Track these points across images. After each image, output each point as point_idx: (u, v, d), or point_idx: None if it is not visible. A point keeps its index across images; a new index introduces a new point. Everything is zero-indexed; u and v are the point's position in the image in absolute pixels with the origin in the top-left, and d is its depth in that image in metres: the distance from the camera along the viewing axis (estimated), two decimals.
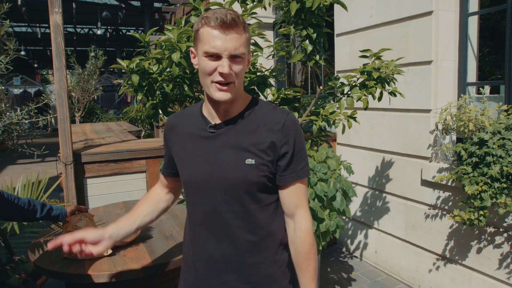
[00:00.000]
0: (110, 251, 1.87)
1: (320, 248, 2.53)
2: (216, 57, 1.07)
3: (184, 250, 1.33)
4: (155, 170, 3.27)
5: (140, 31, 22.65)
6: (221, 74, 1.07)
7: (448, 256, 2.82)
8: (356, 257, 3.75)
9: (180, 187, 1.45)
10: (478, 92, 2.85)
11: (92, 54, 8.23)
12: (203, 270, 1.21)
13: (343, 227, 2.40)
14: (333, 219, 2.38)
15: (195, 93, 2.49)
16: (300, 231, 1.19)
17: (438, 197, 2.84)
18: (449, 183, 2.68)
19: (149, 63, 2.12)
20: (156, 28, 2.22)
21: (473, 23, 2.81)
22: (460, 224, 2.70)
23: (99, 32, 19.42)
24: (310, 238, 1.20)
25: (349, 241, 3.86)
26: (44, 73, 26.30)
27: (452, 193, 2.74)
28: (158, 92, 2.22)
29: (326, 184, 2.38)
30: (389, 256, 3.37)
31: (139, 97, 2.32)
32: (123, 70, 2.23)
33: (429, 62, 2.82)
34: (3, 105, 2.64)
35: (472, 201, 2.39)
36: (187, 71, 2.27)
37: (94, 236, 1.20)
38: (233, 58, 1.07)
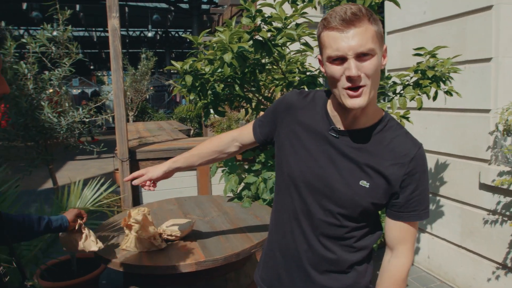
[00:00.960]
0: (165, 244, 1.95)
1: None
2: (341, 60, 0.96)
3: (269, 237, 1.34)
4: (205, 168, 3.36)
5: (188, 33, 23.26)
6: (348, 78, 0.95)
7: (509, 265, 2.66)
8: None
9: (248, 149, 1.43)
10: None
11: (143, 55, 8.56)
12: (282, 260, 1.23)
13: None
14: (384, 221, 2.32)
15: (246, 93, 2.53)
16: (394, 265, 1.12)
17: (499, 202, 2.69)
18: (511, 188, 2.53)
19: (201, 64, 2.18)
20: (208, 29, 2.29)
21: None
22: None
23: (149, 34, 20.16)
24: (402, 275, 1.11)
25: None
26: (100, 74, 27.67)
27: None
28: (209, 92, 2.28)
29: None
30: (443, 262, 3.24)
31: (191, 97, 2.39)
32: (172, 71, 2.31)
33: (488, 60, 2.68)
34: (66, 104, 2.82)
35: None
36: (238, 71, 2.32)
37: (159, 174, 1.48)
38: (361, 57, 0.94)
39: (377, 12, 2.24)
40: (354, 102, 0.97)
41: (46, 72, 2.83)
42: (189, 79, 2.14)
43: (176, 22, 20.08)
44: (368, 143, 1.07)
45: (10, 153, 2.77)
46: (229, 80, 2.40)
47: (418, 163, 1.06)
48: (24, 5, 16.60)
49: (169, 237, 2.02)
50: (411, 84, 2.40)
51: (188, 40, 24.03)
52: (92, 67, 27.46)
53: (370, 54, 0.95)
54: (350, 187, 1.06)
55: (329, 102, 1.14)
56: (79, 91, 19.02)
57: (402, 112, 2.47)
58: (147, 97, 8.43)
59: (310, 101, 1.18)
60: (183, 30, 23.17)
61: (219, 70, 2.27)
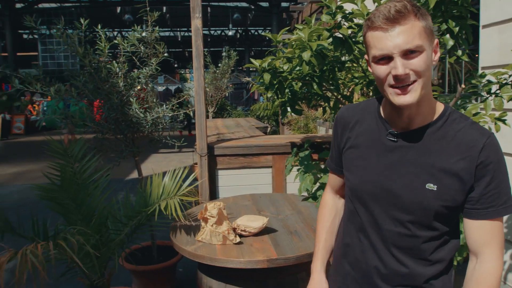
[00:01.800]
0: (238, 239, 1.99)
1: (455, 263, 2.30)
2: (387, 59, 0.95)
3: (335, 246, 1.32)
4: (281, 165, 3.37)
5: (267, 31, 23.54)
6: (395, 77, 0.93)
7: None
8: None
9: None
10: None
11: (224, 54, 8.82)
12: (351, 272, 1.19)
13: None
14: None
15: (324, 91, 2.49)
16: (480, 272, 1.00)
17: None
18: None
19: (280, 62, 2.18)
20: (287, 27, 2.28)
21: None
22: None
23: (230, 33, 20.78)
24: (491, 284, 0.99)
25: None
26: (183, 72, 29.17)
27: None
28: (287, 90, 2.28)
29: None
30: None
31: (269, 94, 2.41)
32: (251, 69, 2.35)
33: None
34: (154, 100, 3.00)
35: None
36: (317, 69, 2.28)
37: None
38: (408, 54, 0.92)
39: (470, 5, 2.06)
40: (403, 100, 0.95)
41: (135, 71, 3.04)
42: (267, 77, 2.16)
43: (256, 21, 20.45)
44: (429, 142, 1.01)
45: (103, 144, 3.02)
46: (307, 78, 2.37)
47: (490, 153, 0.97)
48: (118, 9, 18.08)
49: (243, 233, 2.06)
50: (510, 83, 2.17)
51: (267, 38, 24.33)
52: (176, 65, 29.02)
53: (418, 51, 0.92)
54: (416, 192, 1.00)
55: (381, 107, 1.12)
56: (164, 88, 20.19)
57: (497, 114, 2.25)
58: (227, 94, 8.69)
59: (362, 111, 1.17)
60: (262, 28, 23.53)
61: (298, 68, 2.26)
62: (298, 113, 2.40)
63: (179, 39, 22.77)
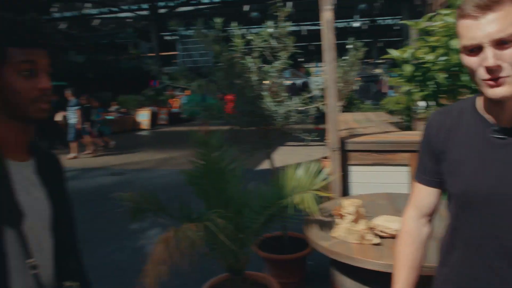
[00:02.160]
0: (378, 240, 1.89)
1: None
2: (477, 49, 0.87)
3: (438, 269, 1.16)
4: None
5: (397, 20, 22.15)
6: (486, 69, 0.86)
7: None
8: None
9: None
10: None
11: (351, 46, 8.54)
12: None
13: None
14: None
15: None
16: None
17: None
18: None
19: (423, 52, 2.00)
20: (433, 13, 2.06)
21: None
22: None
23: (355, 24, 20.12)
24: None
25: None
26: (308, 66, 29.33)
27: None
28: (430, 83, 2.07)
29: None
30: None
31: (406, 87, 2.23)
32: (378, 62, 2.19)
33: None
34: (283, 94, 3.05)
35: None
36: None
37: None
38: (501, 44, 0.84)
39: None
40: (495, 93, 0.87)
41: (267, 66, 3.12)
42: (409, 68, 1.99)
43: (384, 10, 19.40)
44: None
45: (237, 136, 3.18)
46: (455, 69, 2.12)
47: None
48: (245, 8, 19.00)
49: (381, 234, 1.95)
50: None
51: (395, 28, 22.88)
52: (301, 59, 29.28)
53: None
54: None
55: (479, 104, 1.01)
56: (290, 82, 20.57)
57: None
58: (356, 87, 8.43)
59: (456, 112, 1.06)
60: (391, 17, 22.23)
61: (444, 58, 2.04)
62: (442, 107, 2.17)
63: (304, 33, 22.90)
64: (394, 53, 2.14)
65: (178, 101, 19.72)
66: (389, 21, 23.01)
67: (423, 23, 2.11)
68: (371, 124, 4.62)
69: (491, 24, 0.84)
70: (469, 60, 0.90)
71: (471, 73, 0.92)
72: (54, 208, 1.02)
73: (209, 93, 3.20)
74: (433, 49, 2.06)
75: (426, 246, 1.18)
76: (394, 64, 2.34)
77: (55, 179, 1.09)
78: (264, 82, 3.11)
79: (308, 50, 26.70)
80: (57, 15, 23.18)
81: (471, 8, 0.86)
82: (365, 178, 3.19)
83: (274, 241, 3.21)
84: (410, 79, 2.13)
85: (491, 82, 0.87)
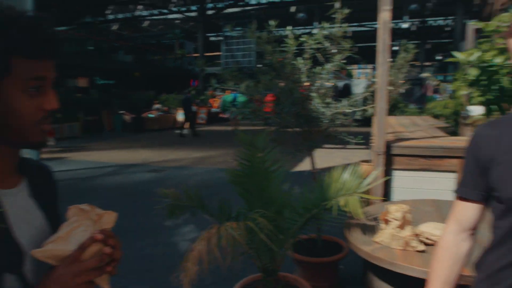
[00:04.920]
0: (423, 247, 1.84)
1: None
2: None
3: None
4: None
5: (449, 21, 21.26)
6: None
7: None
8: None
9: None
10: None
11: (399, 48, 8.32)
12: None
13: None
14: None
15: None
16: None
17: None
18: None
19: (491, 55, 1.91)
20: (505, 12, 1.97)
21: None
22: None
23: (404, 25, 19.50)
24: None
25: None
26: (350, 68, 28.77)
27: None
28: (494, 87, 1.99)
29: None
30: None
31: (464, 91, 2.15)
32: (425, 64, 2.12)
33: None
34: (331, 97, 3.03)
35: None
36: None
37: None
38: None
39: None
40: None
41: (318, 67, 3.10)
42: (475, 72, 1.91)
43: (435, 10, 18.67)
44: None
45: (282, 137, 3.19)
46: None
47: None
48: (292, 9, 18.95)
49: (426, 241, 1.90)
50: None
51: (446, 30, 21.95)
52: (344, 61, 28.78)
53: None
54: None
55: None
56: (332, 84, 20.29)
57: None
58: (403, 90, 8.17)
59: (504, 124, 1.04)
60: (443, 18, 21.37)
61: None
62: (504, 113, 2.07)
63: (349, 35, 22.44)
64: (459, 56, 2.06)
65: (218, 101, 20.02)
66: (440, 21, 22.13)
67: (493, 23, 2.01)
68: (417, 128, 4.48)
69: None
70: None
71: None
72: (52, 231, 0.80)
73: (256, 93, 3.23)
74: (501, 51, 1.96)
75: (464, 262, 1.15)
76: (442, 67, 2.27)
77: (50, 197, 0.92)
78: (313, 83, 3.10)
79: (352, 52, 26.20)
80: (110, 16, 24.29)
81: None
82: (410, 184, 3.11)
83: (308, 244, 3.20)
84: (473, 83, 2.05)
85: None
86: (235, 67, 3.15)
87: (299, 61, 2.91)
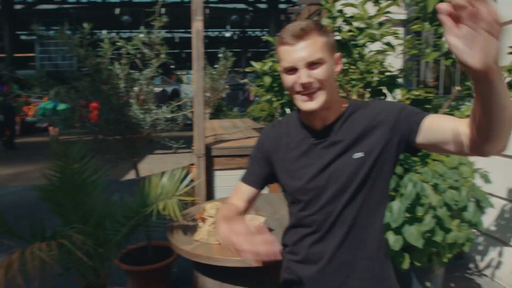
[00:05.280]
0: None
1: (445, 260, 2.34)
2: (294, 70, 1.08)
3: (286, 250, 1.36)
4: None
5: (265, 33, 23.57)
6: (301, 85, 1.07)
7: None
8: (486, 275, 3.35)
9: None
10: None
11: (220, 55, 8.84)
12: None
13: (473, 240, 2.18)
14: (462, 230, 2.17)
15: None
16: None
17: None
18: None
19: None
20: (295, 22, 2.29)
21: None
22: None
23: (227, 34, 20.82)
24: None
25: (479, 257, 3.47)
26: (179, 73, 29.12)
27: None
28: (286, 92, 2.31)
29: (457, 192, 2.19)
30: None
31: (268, 96, 2.44)
32: (247, 70, 2.37)
33: None
34: (151, 103, 3.02)
35: None
36: None
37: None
38: (311, 65, 1.06)
39: None
40: (309, 105, 1.08)
41: (136, 72, 3.06)
42: (267, 80, 2.19)
43: (254, 22, 20.49)
44: (345, 126, 1.15)
45: (102, 146, 3.03)
46: None
47: (377, 104, 1.16)
48: (117, 11, 18.09)
49: None
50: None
51: (264, 40, 24.37)
52: (173, 66, 28.97)
53: (319, 63, 1.06)
54: (349, 165, 1.12)
55: (301, 114, 1.22)
56: (160, 89, 20.19)
57: None
58: (224, 95, 8.69)
59: (286, 125, 1.26)
60: (260, 29, 23.56)
61: None
62: None
63: (177, 40, 22.80)
64: (255, 65, 2.32)
65: (34, 109, 17.55)
66: (258, 32, 24.37)
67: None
68: (236, 130, 4.85)
69: (304, 49, 1.05)
70: (288, 79, 1.10)
71: (289, 89, 1.12)
72: None
73: (69, 101, 2.98)
74: None
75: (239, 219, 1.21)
76: (258, 75, 2.55)
77: None
78: (132, 89, 3.04)
79: (180, 57, 26.60)
80: None
81: (289, 37, 1.06)
82: (230, 182, 3.35)
83: (139, 252, 3.15)
84: (268, 89, 2.32)
85: (304, 97, 1.08)
86: (43, 71, 2.84)
87: (116, 67, 2.82)
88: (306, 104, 1.09)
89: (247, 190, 1.30)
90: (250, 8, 18.07)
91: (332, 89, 1.11)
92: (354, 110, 1.17)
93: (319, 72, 1.06)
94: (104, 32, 2.85)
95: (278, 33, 1.13)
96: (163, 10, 3.10)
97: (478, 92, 0.79)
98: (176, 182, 2.24)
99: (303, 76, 1.06)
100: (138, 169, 3.16)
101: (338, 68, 1.14)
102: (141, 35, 2.89)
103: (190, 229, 2.19)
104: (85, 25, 2.77)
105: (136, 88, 3.08)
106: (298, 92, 1.09)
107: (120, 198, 2.52)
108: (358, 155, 1.11)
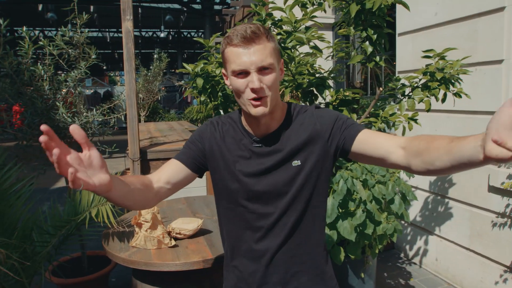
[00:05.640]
0: (173, 242, 1.99)
1: (377, 251, 2.50)
2: (244, 73, 1.06)
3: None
4: None
5: (200, 33, 23.39)
6: (252, 90, 1.05)
7: None
8: (415, 263, 3.63)
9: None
10: None
11: (156, 56, 8.65)
12: None
13: (401, 231, 2.36)
14: (391, 222, 2.34)
15: None
16: (425, 135, 1.01)
17: (508, 205, 2.68)
18: None
19: (212, 67, 2.22)
20: (218, 33, 2.32)
21: None
22: None
23: (162, 35, 20.34)
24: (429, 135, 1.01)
25: (407, 247, 3.75)
26: (112, 74, 27.96)
27: None
28: (220, 94, 2.32)
29: (384, 186, 2.34)
30: (451, 265, 3.23)
31: (202, 98, 2.43)
32: (184, 72, 2.36)
33: (499, 62, 2.66)
34: (81, 106, 2.89)
35: None
36: None
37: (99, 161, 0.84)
38: (262, 70, 1.05)
39: (386, 15, 2.26)
40: (258, 110, 1.07)
41: (62, 74, 2.90)
42: (200, 81, 2.18)
43: (189, 23, 20.22)
44: (285, 137, 1.17)
45: (26, 152, 2.84)
46: None
47: (314, 114, 1.18)
48: (40, 7, 16.90)
49: (178, 236, 2.06)
50: (420, 86, 2.41)
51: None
52: (105, 67, 27.77)
53: (270, 68, 1.06)
54: (288, 172, 1.15)
55: (242, 118, 1.21)
56: (92, 91, 19.27)
57: (410, 114, 2.48)
58: (159, 98, 8.49)
59: (226, 124, 1.25)
60: (195, 30, 23.33)
61: None
62: None
63: (108, 40, 21.89)
64: (187, 67, 2.30)
65: None
66: (193, 33, 24.11)
67: (212, 41, 2.33)
68: (173, 133, 4.78)
69: (255, 53, 1.03)
70: (238, 82, 1.07)
71: (238, 93, 1.09)
72: None
73: None
74: (220, 64, 2.30)
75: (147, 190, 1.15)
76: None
77: None
78: (59, 91, 2.87)
79: (113, 58, 25.55)
80: None
81: (240, 39, 1.04)
82: None
83: (74, 264, 2.99)
84: (201, 91, 2.31)
85: (254, 102, 1.06)
86: None
87: (39, 68, 2.65)
88: (255, 109, 1.07)
89: (175, 165, 1.21)
90: (185, 9, 17.81)
91: (277, 95, 1.12)
92: (294, 118, 1.19)
93: (269, 78, 1.06)
94: (24, 29, 2.66)
95: (225, 35, 1.10)
96: (92, 8, 2.96)
97: (470, 165, 0.81)
98: None
99: (255, 81, 1.04)
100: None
101: (282, 74, 1.15)
102: (60, 33, 2.73)
103: (126, 236, 2.13)
104: (1, 21, 2.56)
105: (64, 91, 2.92)
106: (248, 97, 1.07)
107: (50, 208, 2.38)
108: (296, 163, 1.14)
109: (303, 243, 1.20)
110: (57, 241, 2.32)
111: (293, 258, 1.20)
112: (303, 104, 1.25)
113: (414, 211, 3.63)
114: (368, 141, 1.08)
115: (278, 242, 1.18)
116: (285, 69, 2.59)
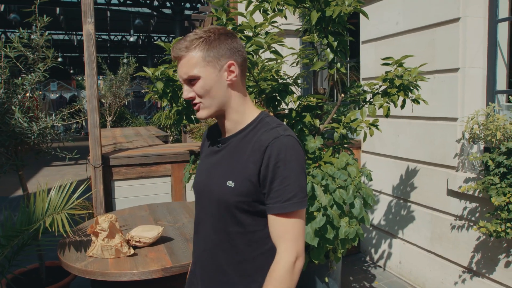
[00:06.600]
0: (132, 251, 1.94)
1: (339, 255, 2.52)
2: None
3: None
4: (180, 174, 3.35)
5: (171, 38, 23.15)
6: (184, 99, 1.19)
7: (474, 269, 2.73)
8: (379, 266, 3.69)
9: None
10: (508, 101, 2.77)
11: (125, 60, 8.50)
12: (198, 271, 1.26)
13: (363, 235, 2.39)
14: (352, 226, 2.36)
15: None
16: (276, 265, 1.05)
17: (465, 208, 2.77)
18: (476, 194, 2.61)
19: (174, 71, 2.19)
20: (180, 38, 2.28)
21: (503, 30, 2.74)
22: (487, 236, 2.62)
23: (131, 39, 20.02)
24: (275, 274, 1.04)
25: (373, 250, 3.81)
26: (79, 78, 27.26)
27: (479, 204, 2.67)
28: (182, 99, 2.29)
29: (345, 191, 2.37)
30: (413, 267, 3.30)
31: (164, 103, 2.39)
32: (147, 77, 2.32)
33: (455, 70, 2.76)
34: (39, 111, 2.78)
35: (499, 212, 2.32)
36: None
37: None
38: (190, 81, 1.12)
39: (346, 23, 2.30)
40: (197, 115, 1.16)
41: (20, 77, 2.79)
42: (160, 85, 2.15)
43: (159, 27, 20.01)
44: (237, 146, 1.15)
45: None
46: None
47: (273, 152, 1.05)
48: (2, 7, 16.32)
49: (137, 244, 2.01)
50: (380, 92, 2.46)
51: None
52: (72, 71, 27.04)
53: (196, 78, 1.10)
54: (220, 188, 1.13)
55: None
56: (57, 95, 18.69)
57: (371, 120, 2.52)
58: (126, 102, 8.33)
59: (214, 127, 1.32)
60: (166, 35, 23.10)
61: None
62: (192, 122, 2.41)
63: (75, 44, 21.35)
64: (147, 70, 2.26)
65: None
66: (163, 38, 23.86)
67: (172, 45, 2.29)
68: (139, 139, 4.69)
69: (181, 67, 1.12)
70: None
71: None
72: None
73: None
74: None
75: None
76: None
77: None
78: (15, 95, 2.75)
79: (80, 62, 24.90)
80: None
81: (172, 57, 1.14)
82: (130, 192, 3.22)
83: (32, 276, 2.87)
84: (161, 96, 2.27)
85: (194, 107, 1.16)
86: None
87: None
88: (197, 114, 1.17)
89: None
90: (155, 13, 17.60)
91: (223, 99, 1.13)
92: (257, 127, 1.14)
93: (197, 88, 1.11)
94: None
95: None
96: (58, 10, 2.87)
97: None
98: (66, 195, 2.09)
99: (184, 91, 1.15)
100: (25, 183, 2.88)
101: (231, 76, 1.12)
102: (18, 35, 2.64)
103: (83, 245, 2.06)
104: None
105: (21, 95, 2.81)
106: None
107: (7, 217, 2.27)
108: (230, 183, 1.10)
109: (229, 249, 1.19)
110: (10, 252, 2.22)
111: (218, 262, 1.21)
112: (278, 120, 1.16)
113: (378, 215, 3.70)
114: (270, 221, 1.10)
115: (206, 245, 1.21)
116: (248, 74, 2.59)
